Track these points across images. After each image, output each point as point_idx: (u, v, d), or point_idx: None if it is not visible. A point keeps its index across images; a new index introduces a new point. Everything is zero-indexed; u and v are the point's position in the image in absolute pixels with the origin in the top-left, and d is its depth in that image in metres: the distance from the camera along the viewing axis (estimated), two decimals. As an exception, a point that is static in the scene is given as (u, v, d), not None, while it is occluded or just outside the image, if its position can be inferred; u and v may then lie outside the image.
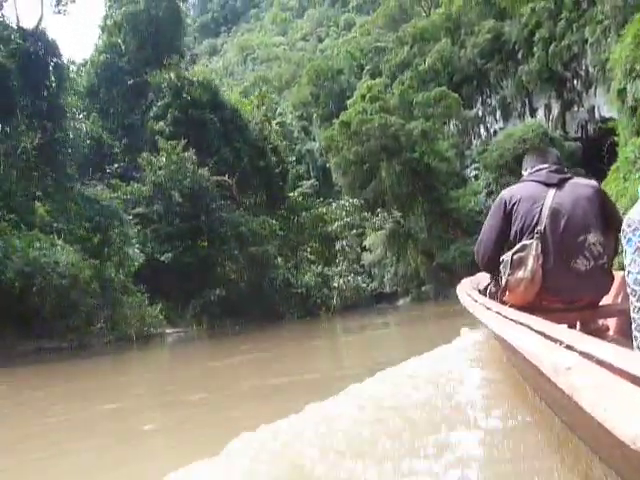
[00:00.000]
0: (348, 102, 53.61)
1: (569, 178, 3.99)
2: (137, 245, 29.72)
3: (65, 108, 28.91)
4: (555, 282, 3.72)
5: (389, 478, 2.40)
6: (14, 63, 27.15)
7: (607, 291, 3.98)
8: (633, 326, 2.69)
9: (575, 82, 48.21)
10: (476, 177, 53.07)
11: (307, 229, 42.16)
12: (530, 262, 3.69)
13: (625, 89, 28.92)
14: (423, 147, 48.68)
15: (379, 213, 42.55)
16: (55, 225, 25.59)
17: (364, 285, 50.11)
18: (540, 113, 51.13)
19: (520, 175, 4.33)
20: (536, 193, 3.88)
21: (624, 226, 2.83)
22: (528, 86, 50.69)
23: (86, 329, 24.90)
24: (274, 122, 60.30)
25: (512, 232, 3.89)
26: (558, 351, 1.55)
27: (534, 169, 4.11)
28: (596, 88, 45.56)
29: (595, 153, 41.10)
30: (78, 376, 13.04)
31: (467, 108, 55.32)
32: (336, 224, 41.29)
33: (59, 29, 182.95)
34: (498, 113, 54.80)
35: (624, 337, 3.81)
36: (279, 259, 38.40)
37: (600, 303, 3.99)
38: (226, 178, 35.64)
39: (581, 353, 1.42)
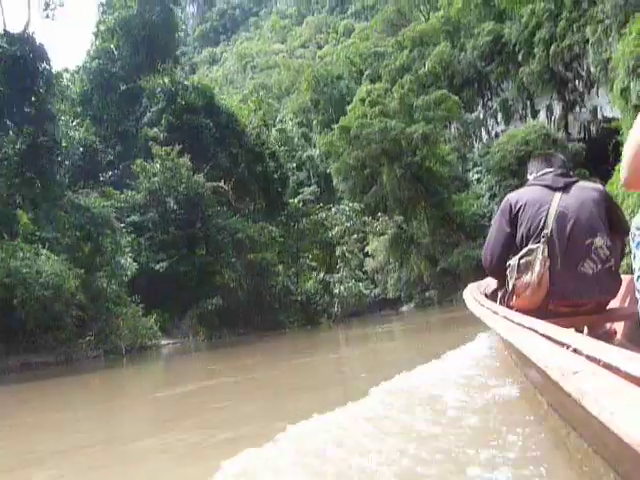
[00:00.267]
0: (348, 108, 52.42)
1: (575, 182, 3.95)
2: (130, 254, 28.27)
3: (53, 114, 27.55)
4: (562, 286, 3.68)
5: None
6: (0, 68, 25.95)
7: (614, 294, 3.91)
8: None
9: (577, 82, 47.31)
10: (478, 180, 52.03)
11: (307, 235, 40.66)
12: (537, 266, 3.66)
13: (628, 87, 28.69)
14: (424, 151, 47.51)
15: (380, 217, 41.09)
16: (42, 234, 24.17)
17: (367, 291, 49.42)
18: (542, 115, 50.21)
19: (523, 177, 4.37)
20: (542, 197, 3.84)
21: (633, 229, 2.66)
22: (529, 88, 49.64)
23: (74, 342, 23.48)
24: (274, 129, 59.43)
25: (518, 236, 3.84)
26: (565, 355, 1.52)
27: (539, 173, 4.08)
28: (598, 88, 44.68)
29: (599, 154, 40.42)
30: (44, 402, 11.47)
31: (468, 111, 54.45)
32: (336, 229, 39.79)
33: (54, 37, 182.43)
34: (499, 115, 53.75)
35: (632, 341, 3.78)
36: (280, 267, 37.06)
37: (607, 307, 3.95)
38: (222, 184, 34.20)
39: (588, 357, 1.39)
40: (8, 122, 26.43)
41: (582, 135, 48.39)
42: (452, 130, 55.32)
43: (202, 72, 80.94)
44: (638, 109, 25.93)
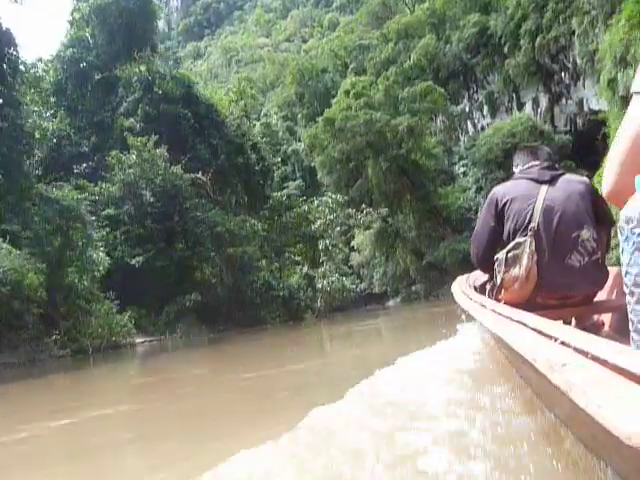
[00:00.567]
0: (333, 101, 51.02)
1: (561, 174, 3.92)
2: (102, 248, 26.46)
3: (19, 101, 25.68)
4: (550, 279, 3.66)
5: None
6: (-39, 53, 24.13)
7: (602, 286, 3.90)
8: (630, 327, 2.27)
9: (563, 75, 46.59)
10: (464, 174, 51.33)
11: (291, 229, 38.92)
12: (524, 259, 3.63)
13: (615, 78, 28.05)
14: (410, 144, 46.39)
15: (364, 209, 39.51)
16: (3, 227, 22.33)
17: (352, 286, 48.54)
18: (528, 107, 49.56)
19: (509, 169, 4.35)
20: (528, 190, 3.81)
21: (621, 223, 2.21)
22: (515, 80, 48.82)
23: (40, 342, 21.76)
24: (258, 122, 57.99)
25: (505, 230, 3.81)
26: (553, 347, 1.52)
27: (525, 166, 4.06)
28: (584, 80, 44.11)
29: (585, 146, 40.29)
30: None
31: (454, 104, 53.53)
32: (319, 222, 38.06)
33: (32, 28, 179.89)
34: (485, 108, 52.89)
35: (619, 333, 3.65)
36: (263, 261, 35.45)
37: (595, 299, 3.92)
38: (200, 176, 32.47)
39: (576, 349, 1.40)
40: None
41: (568, 127, 47.72)
42: (438, 123, 54.35)
43: (186, 66, 79.24)
44: (625, 100, 25.31)
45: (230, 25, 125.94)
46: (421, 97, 47.62)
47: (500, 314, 2.60)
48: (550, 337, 1.61)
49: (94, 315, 24.98)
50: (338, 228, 37.75)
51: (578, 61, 43.03)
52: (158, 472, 4.34)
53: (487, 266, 4.00)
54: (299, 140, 59.97)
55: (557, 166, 4.08)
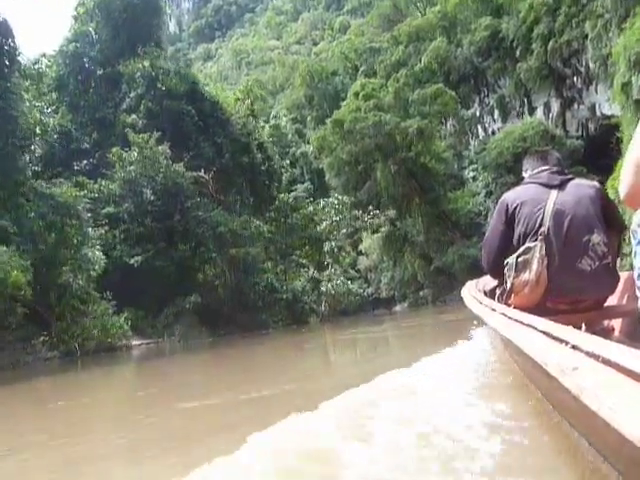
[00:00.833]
0: (342, 104, 49.79)
1: (571, 179, 3.88)
2: (98, 247, 25.09)
3: (14, 93, 24.35)
4: (560, 283, 3.59)
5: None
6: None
7: (612, 291, 3.81)
8: None
9: (575, 79, 45.56)
10: (474, 178, 50.34)
11: (297, 231, 37.45)
12: (535, 264, 3.58)
13: (630, 82, 27.27)
14: (419, 147, 45.34)
15: (371, 211, 38.02)
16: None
17: (360, 290, 47.60)
18: (539, 112, 48.67)
19: (520, 174, 4.30)
20: (538, 195, 3.76)
21: (634, 226, 2.46)
22: (527, 84, 47.79)
23: (26, 343, 20.41)
24: (267, 124, 56.86)
25: (515, 235, 3.77)
26: (564, 351, 1.50)
27: (535, 171, 4.01)
28: (597, 85, 43.17)
29: (597, 151, 39.20)
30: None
31: (464, 108, 52.44)
32: (324, 224, 36.55)
33: (42, 25, 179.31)
34: (496, 113, 51.84)
35: (630, 338, 3.71)
36: (268, 263, 34.07)
37: (605, 304, 3.83)
38: (203, 174, 31.09)
39: (587, 353, 1.37)
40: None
41: (580, 133, 46.57)
42: (448, 127, 53.11)
43: (197, 68, 77.94)
44: (639, 104, 25.98)
45: (241, 27, 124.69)
46: (431, 100, 46.37)
47: (511, 318, 2.60)
48: (561, 341, 1.58)
49: (89, 316, 23.62)
50: (344, 230, 36.17)
51: (591, 65, 42.18)
52: None
53: (497, 271, 3.92)
54: (308, 143, 58.83)
55: (566, 171, 4.02)
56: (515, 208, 3.76)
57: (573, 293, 3.63)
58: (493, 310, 3.32)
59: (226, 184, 34.05)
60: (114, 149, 29.50)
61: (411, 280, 47.10)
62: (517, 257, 3.64)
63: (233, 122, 35.14)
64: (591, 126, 45.77)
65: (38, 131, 28.76)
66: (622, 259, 4.08)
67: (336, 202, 37.31)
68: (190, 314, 27.66)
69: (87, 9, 35.97)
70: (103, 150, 30.94)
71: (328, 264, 36.32)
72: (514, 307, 3.49)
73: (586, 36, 40.98)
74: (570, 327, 2.10)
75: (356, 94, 48.02)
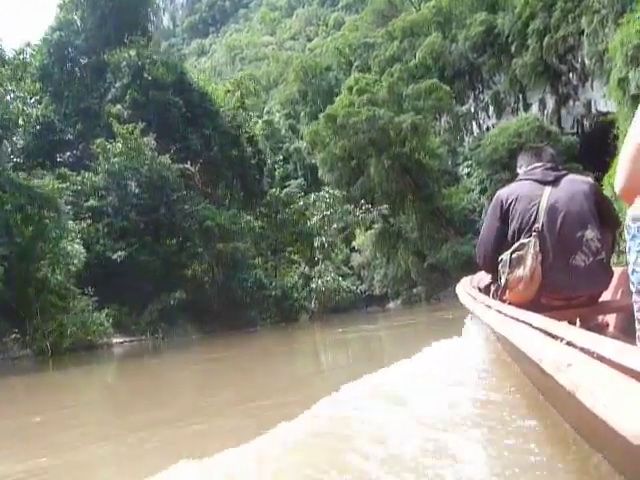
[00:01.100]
0: (336, 99, 48.60)
1: (565, 175, 3.84)
2: (78, 240, 23.65)
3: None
4: (554, 279, 3.57)
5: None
6: None
7: (606, 287, 3.81)
8: (637, 326, 2.43)
9: (571, 75, 44.85)
10: (468, 175, 49.35)
11: (288, 227, 36.06)
12: (529, 260, 3.57)
13: (626, 77, 27.06)
14: (413, 142, 44.20)
15: (362, 205, 36.70)
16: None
17: (353, 287, 46.69)
18: (534, 108, 48.07)
19: (515, 170, 4.25)
20: (532, 191, 3.74)
21: (628, 221, 2.36)
22: (522, 80, 46.97)
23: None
24: (261, 119, 55.71)
25: (510, 231, 3.74)
26: (559, 348, 1.50)
27: (529, 167, 3.96)
28: (592, 81, 42.53)
29: (592, 148, 38.78)
30: None
31: (459, 104, 51.50)
32: (315, 218, 35.16)
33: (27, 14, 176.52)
34: (491, 109, 51.07)
35: (624, 333, 3.59)
36: (259, 259, 32.74)
37: (600, 299, 3.83)
38: (189, 166, 29.68)
39: (582, 349, 1.38)
40: None
41: (575, 129, 45.84)
42: (442, 123, 52.09)
43: (190, 63, 76.67)
44: (636, 99, 25.23)
45: (235, 23, 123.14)
46: (426, 94, 45.20)
47: (505, 315, 2.60)
48: (556, 337, 1.58)
49: (67, 312, 22.25)
50: (335, 225, 34.71)
51: (586, 61, 41.49)
52: None
53: (492, 267, 3.88)
54: (301, 138, 57.72)
55: (560, 167, 3.95)
56: (510, 204, 3.72)
57: (567, 289, 3.61)
58: (488, 307, 3.28)
59: (214, 177, 32.66)
60: (98, 140, 28.02)
61: (404, 277, 46.31)
62: (511, 253, 3.61)
63: (222, 114, 33.71)
64: (586, 123, 45.24)
65: (21, 122, 27.43)
66: (619, 256, 4.06)
67: (327, 196, 35.83)
68: (175, 311, 26.26)
69: (72, -3, 34.58)
70: (87, 141, 29.49)
71: (318, 260, 34.87)
72: (509, 303, 3.51)
73: (582, 32, 40.42)
74: (565, 323, 2.20)
75: (350, 89, 46.81)
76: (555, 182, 3.73)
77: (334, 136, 44.26)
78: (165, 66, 31.92)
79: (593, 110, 43.65)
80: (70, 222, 23.78)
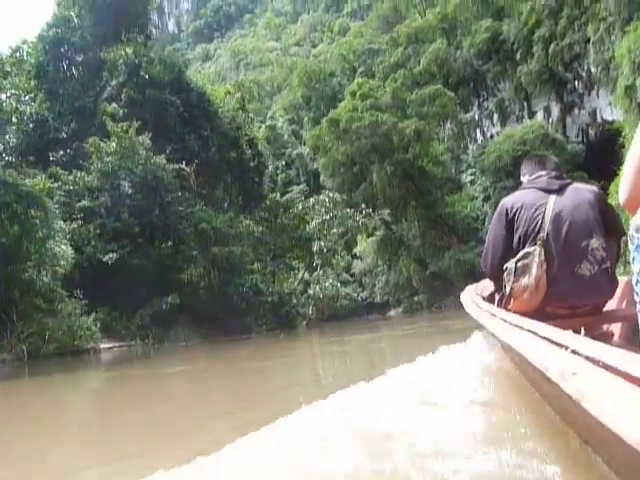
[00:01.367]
0: (340, 105, 47.65)
1: (569, 184, 3.78)
2: (65, 240, 22.38)
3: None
4: (559, 288, 3.49)
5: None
6: None
7: (611, 296, 3.69)
8: None
9: (576, 83, 44.02)
10: (472, 182, 48.67)
11: (288, 232, 34.87)
12: (534, 269, 3.49)
13: (633, 85, 26.33)
14: (417, 149, 43.38)
15: (363, 209, 35.56)
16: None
17: (354, 294, 46.02)
18: (539, 117, 47.32)
19: (519, 179, 4.19)
20: (537, 200, 3.66)
21: (632, 231, 2.27)
22: (527, 88, 46.14)
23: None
24: (264, 125, 54.89)
25: (515, 240, 3.66)
26: (565, 356, 1.49)
27: (533, 176, 3.89)
28: (598, 89, 41.64)
29: (597, 156, 38.09)
30: None
31: (463, 111, 50.77)
32: (313, 222, 33.99)
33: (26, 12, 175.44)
34: (495, 117, 50.22)
35: (629, 343, 3.57)
36: (258, 264, 31.55)
37: (604, 308, 3.73)
38: (184, 166, 28.52)
39: (587, 358, 1.37)
40: None
41: (580, 138, 44.97)
42: (446, 130, 51.20)
43: (195, 68, 76.00)
44: None
45: (240, 28, 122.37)
46: (430, 100, 44.19)
47: (511, 323, 2.56)
48: (561, 346, 1.57)
49: (54, 316, 21.06)
50: (334, 230, 33.48)
51: (592, 69, 40.62)
52: None
53: (498, 276, 3.76)
54: (304, 144, 56.93)
55: (565, 175, 3.88)
56: (515, 213, 3.64)
57: (572, 298, 3.53)
58: (493, 315, 3.24)
59: (212, 179, 31.48)
60: (91, 139, 26.92)
61: (406, 285, 45.72)
62: (516, 262, 3.54)
63: (221, 115, 32.55)
64: (591, 132, 44.45)
65: (14, 120, 26.34)
66: (625, 266, 3.75)
67: (327, 200, 34.65)
68: (167, 316, 24.99)
69: (69, -7, 33.51)
70: (81, 140, 28.28)
71: (316, 265, 33.64)
72: (513, 312, 3.39)
73: (588, 39, 39.51)
74: (569, 332, 2.21)
75: (353, 93, 45.90)
76: (560, 191, 3.67)
77: (336, 141, 43.34)
78: (163, 64, 30.75)
79: (598, 119, 42.82)
80: (60, 222, 22.59)
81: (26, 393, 10.77)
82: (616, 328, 3.96)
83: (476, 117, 51.18)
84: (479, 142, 50.10)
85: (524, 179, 3.98)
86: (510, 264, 3.58)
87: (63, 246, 21.62)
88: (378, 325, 28.31)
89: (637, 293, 2.22)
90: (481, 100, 50.90)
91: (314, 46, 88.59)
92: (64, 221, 23.94)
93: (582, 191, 3.69)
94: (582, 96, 43.81)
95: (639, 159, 1.99)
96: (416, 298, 44.28)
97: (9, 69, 27.32)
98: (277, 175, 45.10)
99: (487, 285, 4.68)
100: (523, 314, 3.18)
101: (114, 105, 28.98)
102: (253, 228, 31.26)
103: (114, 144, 26.47)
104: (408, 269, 45.41)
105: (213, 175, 31.47)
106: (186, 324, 25.75)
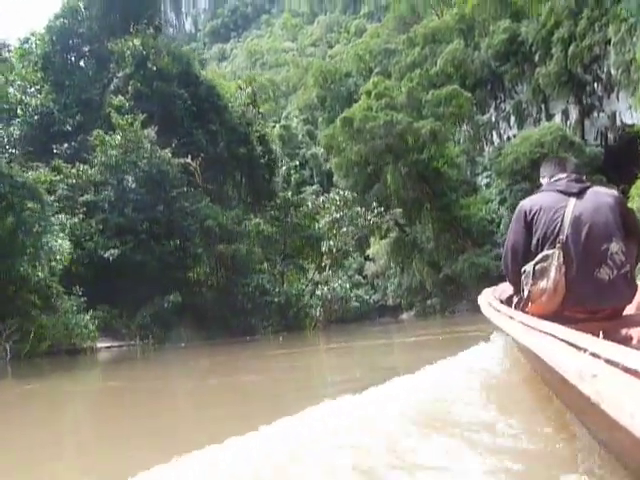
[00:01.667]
0: (355, 105, 46.37)
1: (589, 187, 3.67)
2: (62, 234, 21.14)
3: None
4: (578, 292, 3.40)
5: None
6: None
7: (630, 300, 3.59)
8: None
9: (595, 86, 42.66)
10: (487, 185, 47.16)
11: (299, 231, 33.45)
12: (552, 272, 3.41)
13: None
14: (432, 150, 41.89)
15: (375, 208, 34.09)
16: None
17: (366, 297, 45.01)
18: (557, 119, 45.93)
19: (536, 181, 4.31)
20: (556, 202, 3.57)
21: None
22: (545, 90, 44.72)
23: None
24: (278, 124, 53.85)
25: (533, 242, 3.55)
26: (584, 359, 1.46)
27: (553, 178, 3.80)
28: (618, 92, 40.38)
29: (616, 159, 37.71)
30: None
31: (480, 113, 49.36)
32: (323, 221, 32.53)
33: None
34: (512, 119, 48.67)
35: None
36: (266, 264, 30.28)
37: (623, 313, 3.65)
38: (190, 161, 27.23)
39: (607, 360, 1.34)
40: None
41: (599, 142, 43.45)
42: (462, 132, 49.71)
43: (211, 68, 75.24)
44: None
45: (257, 28, 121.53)
46: (446, 101, 42.66)
47: (529, 326, 2.52)
48: (580, 348, 1.54)
49: (50, 313, 19.89)
50: (344, 229, 32.00)
51: (612, 71, 39.51)
52: None
53: (517, 278, 3.66)
54: (319, 144, 55.69)
55: (584, 178, 3.78)
56: (533, 215, 3.55)
57: (591, 302, 3.42)
58: (511, 318, 3.17)
59: (219, 175, 30.22)
60: (96, 132, 25.75)
61: (419, 288, 44.45)
62: (535, 265, 3.43)
63: (231, 110, 31.30)
64: (610, 135, 43.04)
65: (19, 112, 25.29)
66: (637, 265, 3.40)
67: (337, 198, 33.15)
68: (169, 315, 23.72)
69: (78, -17, 32.42)
70: (87, 133, 27.13)
71: (325, 265, 32.14)
72: (531, 315, 3.28)
73: (609, 41, 38.57)
74: (588, 335, 2.02)
75: (368, 93, 44.48)
76: (580, 194, 3.55)
77: (350, 141, 41.94)
78: (171, 56, 29.60)
79: (618, 122, 41.43)
80: (60, 216, 21.49)
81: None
82: (635, 332, 3.75)
83: (493, 119, 49.70)
84: (495, 144, 48.63)
85: (543, 181, 3.90)
86: (528, 267, 3.48)
87: (60, 240, 20.42)
88: (389, 329, 26.77)
89: None
90: (498, 102, 49.40)
91: (330, 47, 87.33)
92: (66, 215, 22.85)
93: (602, 194, 3.59)
94: (601, 99, 42.44)
95: None
96: (429, 302, 43.06)
97: (16, 61, 26.19)
98: (290, 175, 43.85)
99: (505, 288, 4.50)
100: (541, 317, 3.08)
101: (120, 97, 27.80)
102: (262, 227, 30.02)
103: (119, 137, 25.30)
104: (421, 272, 44.19)
105: (221, 171, 30.24)
106: (188, 324, 24.46)
